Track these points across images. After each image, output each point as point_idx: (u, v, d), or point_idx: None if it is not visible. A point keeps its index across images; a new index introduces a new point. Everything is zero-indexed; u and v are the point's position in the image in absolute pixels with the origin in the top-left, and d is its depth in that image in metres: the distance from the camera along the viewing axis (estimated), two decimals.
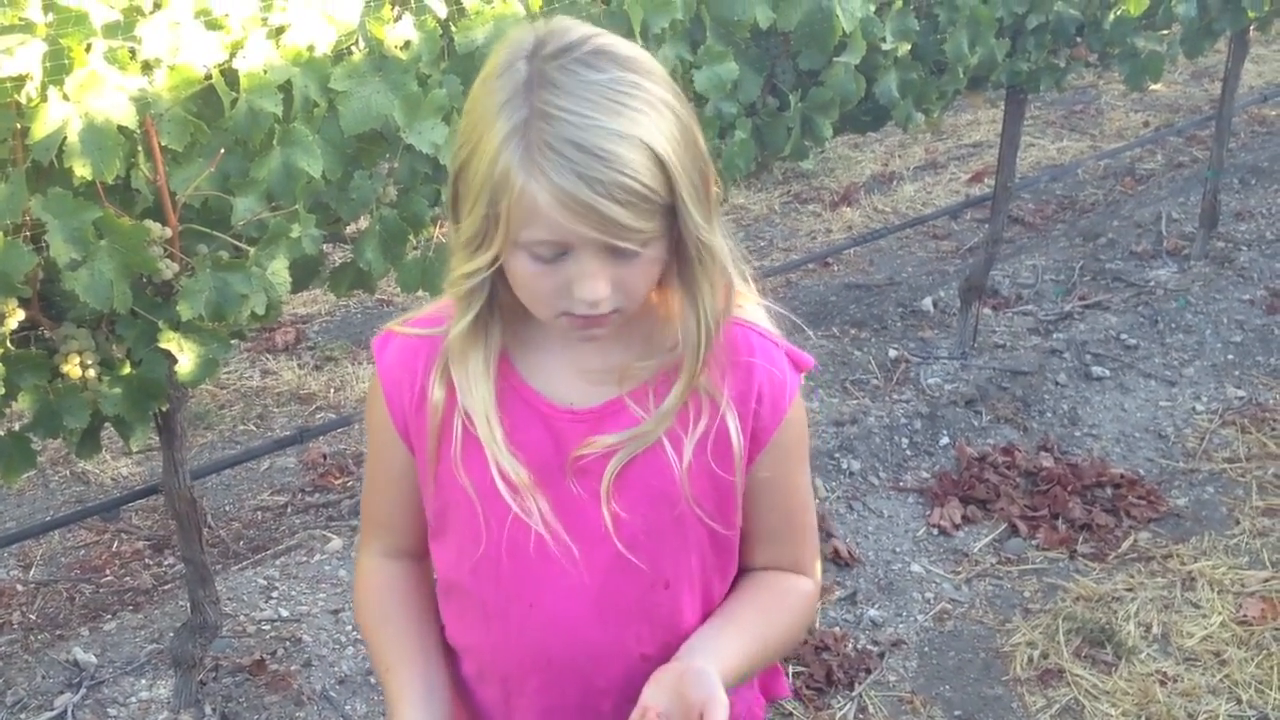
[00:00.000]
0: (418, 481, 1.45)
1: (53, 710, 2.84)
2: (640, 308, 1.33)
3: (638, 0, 2.65)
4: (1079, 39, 3.89)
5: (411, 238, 2.54)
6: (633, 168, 1.19)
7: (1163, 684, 3.05)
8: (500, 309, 1.36)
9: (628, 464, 1.36)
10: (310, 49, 2.21)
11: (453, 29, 2.45)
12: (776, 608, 1.48)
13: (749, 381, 1.38)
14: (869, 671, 3.12)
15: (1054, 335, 4.60)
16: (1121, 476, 3.82)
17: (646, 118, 1.21)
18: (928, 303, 4.92)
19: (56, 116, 1.92)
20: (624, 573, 1.39)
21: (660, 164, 1.21)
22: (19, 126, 1.95)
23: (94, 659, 3.00)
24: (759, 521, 1.46)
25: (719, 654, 1.38)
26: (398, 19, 2.35)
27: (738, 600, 1.48)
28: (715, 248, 1.29)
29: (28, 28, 1.88)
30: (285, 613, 3.16)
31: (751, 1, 2.86)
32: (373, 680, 2.99)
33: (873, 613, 3.32)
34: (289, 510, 3.78)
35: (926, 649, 3.23)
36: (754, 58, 3.03)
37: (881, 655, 3.18)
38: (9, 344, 2.07)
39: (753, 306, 1.41)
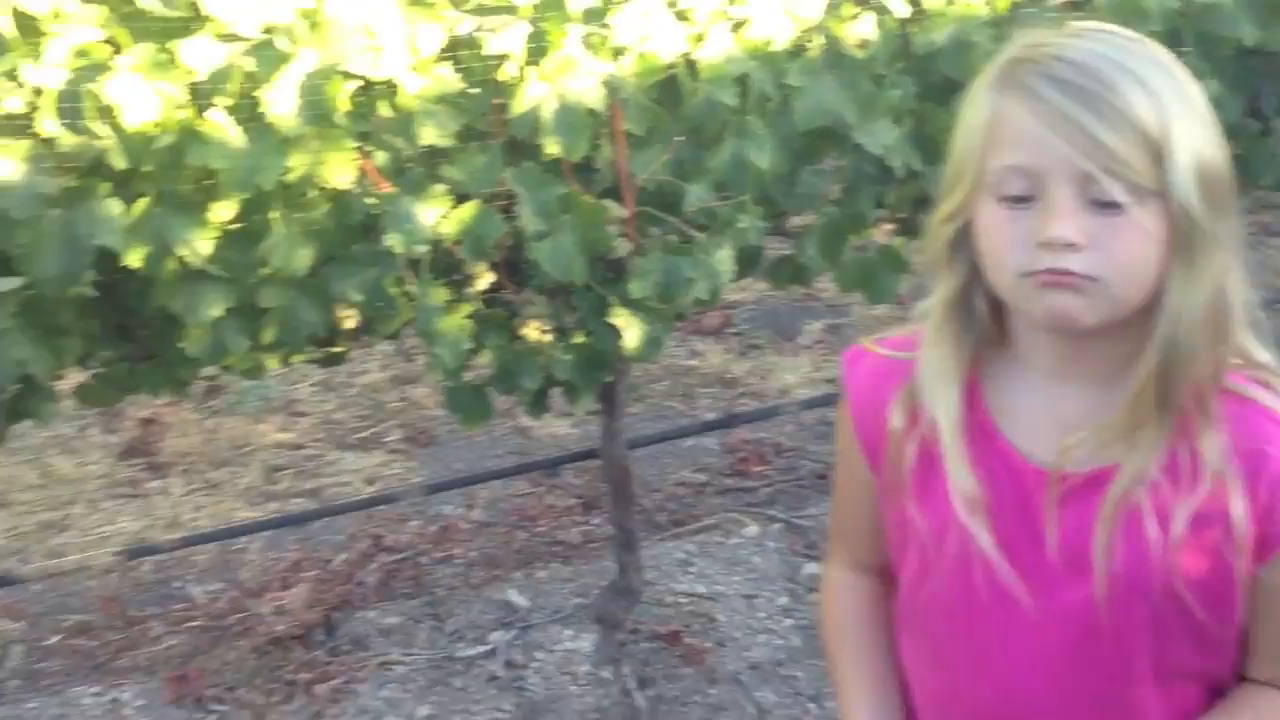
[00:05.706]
0: (879, 500, 1.35)
1: (486, 645, 3.08)
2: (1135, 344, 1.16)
3: (1109, 7, 2.54)
4: None
5: (852, 237, 2.56)
6: (1127, 97, 1.07)
7: None
8: (979, 339, 1.24)
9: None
10: (768, 43, 2.27)
11: (911, 30, 2.44)
12: None
13: (1260, 468, 1.15)
14: None
15: None
16: None
17: (1164, 85, 1.09)
18: None
19: (534, 95, 2.07)
20: (1087, 656, 1.23)
21: (1161, 123, 1.07)
22: (497, 102, 2.12)
23: (526, 602, 3.23)
24: (1258, 631, 1.23)
25: None
26: (856, 17, 2.38)
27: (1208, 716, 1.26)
28: (1212, 240, 1.11)
29: (511, 10, 2.05)
30: (702, 589, 3.26)
31: (1238, 18, 2.66)
32: (782, 672, 3.02)
33: None
34: (708, 490, 3.90)
35: None
36: (1234, 76, 2.81)
37: None
38: (479, 302, 2.26)
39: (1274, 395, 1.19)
